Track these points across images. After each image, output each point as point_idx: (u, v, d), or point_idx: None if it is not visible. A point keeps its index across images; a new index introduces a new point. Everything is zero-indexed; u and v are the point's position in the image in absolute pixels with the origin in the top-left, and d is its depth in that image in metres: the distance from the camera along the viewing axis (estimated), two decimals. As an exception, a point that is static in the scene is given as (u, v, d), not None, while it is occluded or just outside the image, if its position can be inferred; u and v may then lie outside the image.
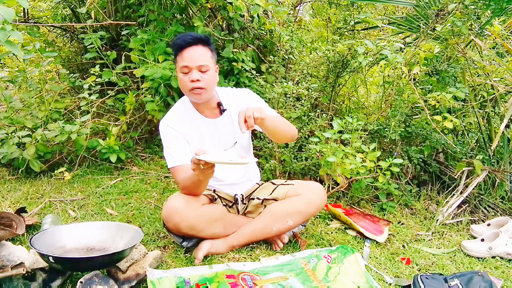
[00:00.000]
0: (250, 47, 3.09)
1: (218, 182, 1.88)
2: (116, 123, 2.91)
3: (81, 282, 1.33)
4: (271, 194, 1.86)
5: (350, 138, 2.11)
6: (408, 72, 2.34)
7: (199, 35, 1.73)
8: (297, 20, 3.96)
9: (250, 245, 1.83)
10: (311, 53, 3.05)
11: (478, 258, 1.84)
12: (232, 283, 1.42)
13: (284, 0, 3.91)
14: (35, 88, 2.81)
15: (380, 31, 3.70)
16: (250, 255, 1.77)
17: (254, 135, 2.63)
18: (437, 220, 2.16)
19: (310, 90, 2.53)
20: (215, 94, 1.84)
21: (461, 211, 2.28)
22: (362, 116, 2.75)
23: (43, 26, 3.88)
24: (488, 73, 2.35)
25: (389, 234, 2.00)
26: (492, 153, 2.43)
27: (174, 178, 1.81)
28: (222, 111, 1.84)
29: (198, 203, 1.72)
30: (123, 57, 2.90)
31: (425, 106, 2.25)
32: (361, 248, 1.87)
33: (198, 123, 1.83)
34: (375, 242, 1.93)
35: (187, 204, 1.67)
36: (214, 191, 1.89)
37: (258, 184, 1.99)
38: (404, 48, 2.50)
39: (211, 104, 1.83)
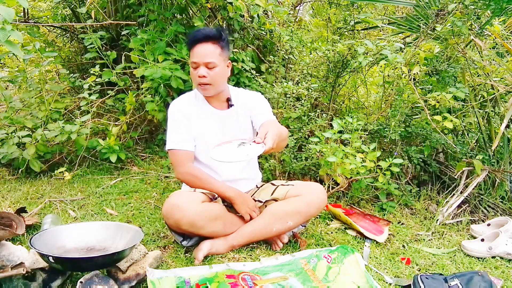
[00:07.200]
0: (250, 47, 3.08)
1: (216, 178, 1.89)
2: (116, 123, 2.91)
3: (81, 282, 1.33)
4: (271, 195, 1.86)
5: (350, 138, 2.11)
6: (408, 72, 2.34)
7: (210, 32, 1.79)
8: (297, 20, 3.96)
9: (250, 245, 1.83)
10: (311, 53, 3.05)
11: (478, 258, 1.84)
12: (232, 283, 1.42)
13: (284, 0, 3.91)
14: (35, 88, 2.81)
15: (380, 31, 3.70)
16: (250, 255, 1.77)
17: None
18: (437, 220, 2.16)
19: (310, 90, 2.53)
20: (226, 89, 1.92)
21: (461, 211, 2.28)
22: (362, 116, 2.74)
23: (43, 26, 3.88)
24: (488, 73, 2.34)
25: (389, 234, 2.00)
26: (492, 153, 2.43)
27: (170, 160, 1.86)
28: (229, 106, 1.93)
29: (199, 200, 1.73)
30: (123, 57, 2.90)
31: (425, 106, 2.25)
32: (361, 248, 1.87)
33: (206, 112, 1.91)
34: (375, 242, 1.93)
35: (188, 201, 1.68)
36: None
37: (258, 186, 2.00)
38: (404, 48, 2.50)
39: (221, 97, 1.92)
